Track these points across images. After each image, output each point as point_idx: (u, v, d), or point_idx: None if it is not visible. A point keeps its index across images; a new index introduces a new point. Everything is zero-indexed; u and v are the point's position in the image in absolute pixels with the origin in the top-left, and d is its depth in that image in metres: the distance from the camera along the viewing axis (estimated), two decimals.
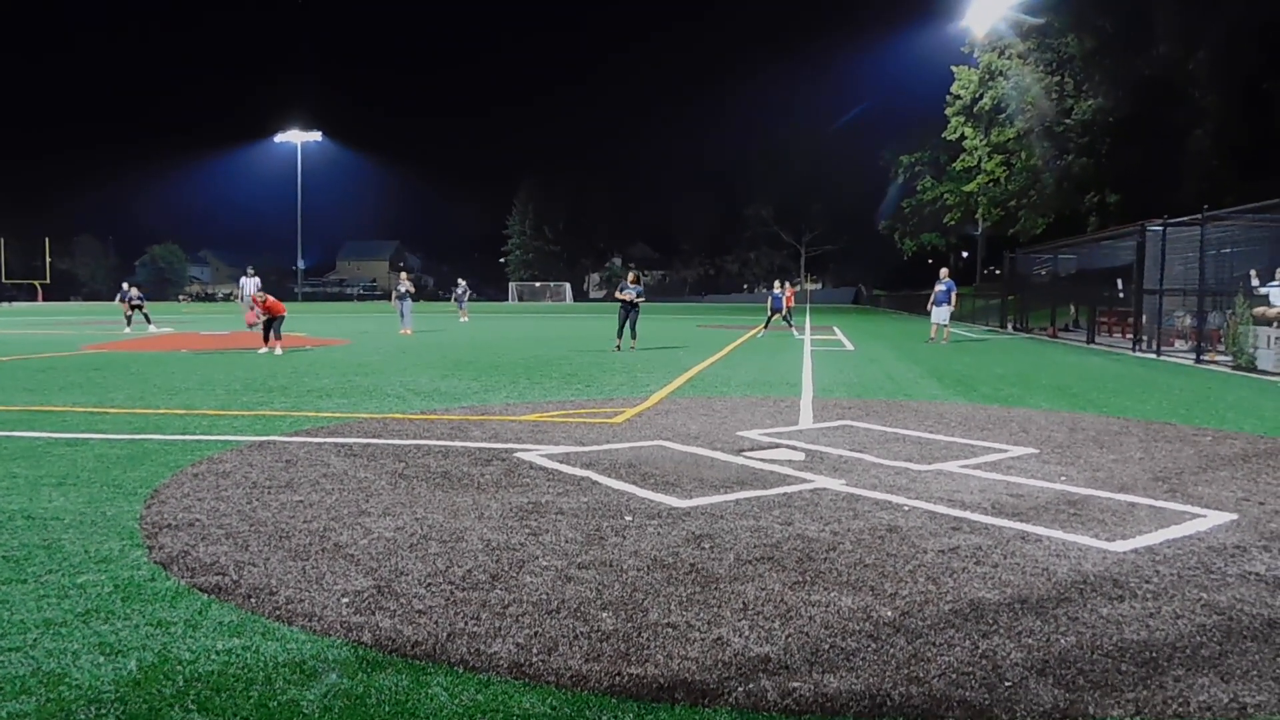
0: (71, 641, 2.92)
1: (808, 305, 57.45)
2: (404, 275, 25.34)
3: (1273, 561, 3.92)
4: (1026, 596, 3.43)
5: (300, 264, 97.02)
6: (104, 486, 5.14)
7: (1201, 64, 29.51)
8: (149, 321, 26.56)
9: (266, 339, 16.73)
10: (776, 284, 26.01)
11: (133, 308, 26.62)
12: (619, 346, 17.31)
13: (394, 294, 24.88)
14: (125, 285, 27.52)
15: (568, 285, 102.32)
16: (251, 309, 17.30)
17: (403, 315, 24.32)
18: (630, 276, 18.03)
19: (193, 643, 2.92)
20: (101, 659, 2.79)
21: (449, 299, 32.26)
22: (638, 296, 17.29)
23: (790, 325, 25.42)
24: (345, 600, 3.32)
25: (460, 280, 34.43)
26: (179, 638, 2.96)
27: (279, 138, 75.88)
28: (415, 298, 25.23)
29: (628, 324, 17.34)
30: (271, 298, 17.16)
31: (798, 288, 26.23)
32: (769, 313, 25.03)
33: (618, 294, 17.48)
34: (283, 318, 16.92)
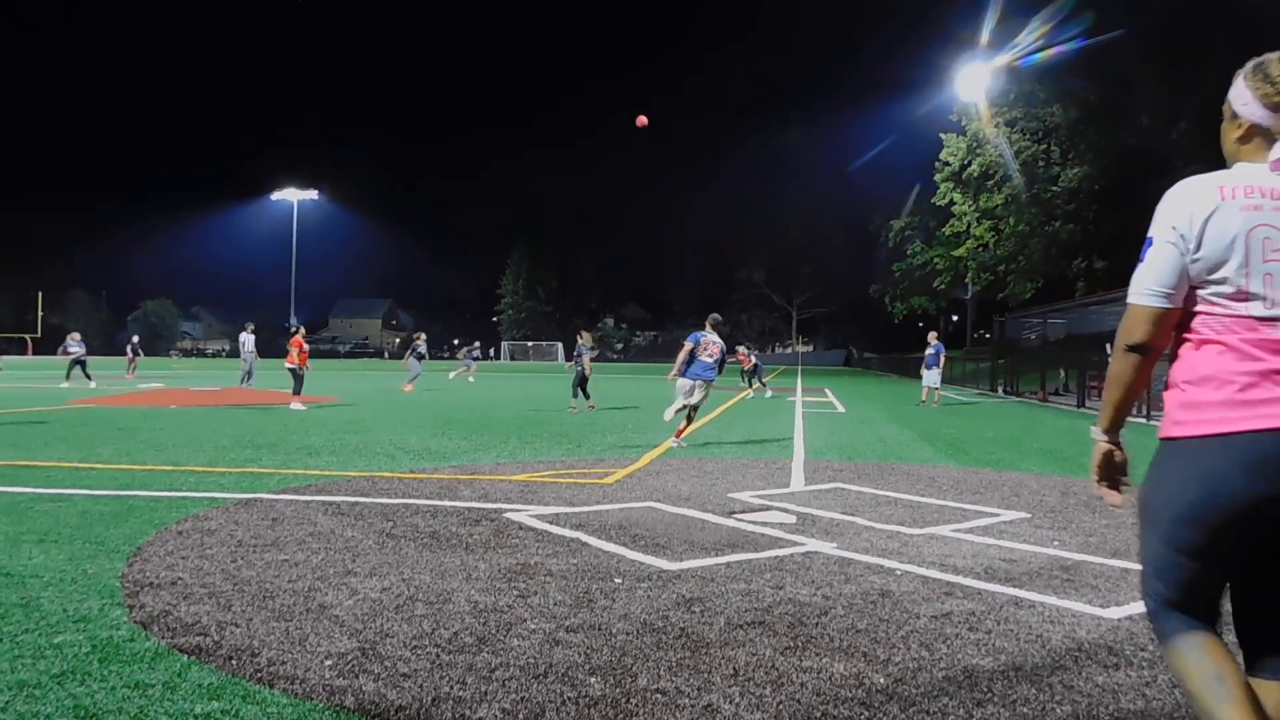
0: (45, 704, 2.84)
1: (799, 367, 57.61)
2: (421, 337, 26.70)
3: None
4: (1020, 664, 3.38)
5: (294, 321, 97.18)
6: (86, 544, 5.07)
7: (1183, 134, 30.16)
8: (89, 378, 24.76)
9: (298, 392, 16.88)
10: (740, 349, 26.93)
11: (73, 361, 24.96)
12: (574, 407, 17.16)
13: (412, 352, 26.17)
14: (70, 339, 27.03)
15: (560, 345, 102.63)
16: (292, 353, 17.48)
17: (411, 371, 25.40)
18: (586, 339, 18.01)
19: (171, 706, 2.85)
20: None
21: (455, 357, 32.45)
22: (591, 358, 17.51)
23: (752, 386, 25.81)
24: (329, 663, 3.25)
25: (476, 343, 35.40)
26: (156, 700, 2.88)
27: (275, 195, 76.42)
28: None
29: (581, 386, 17.33)
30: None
31: (746, 349, 27.35)
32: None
33: (583, 360, 17.53)
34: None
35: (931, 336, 22.25)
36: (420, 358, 25.60)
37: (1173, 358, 2.09)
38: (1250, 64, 2.09)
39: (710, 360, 11.41)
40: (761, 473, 8.70)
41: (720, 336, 11.71)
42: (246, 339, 24.85)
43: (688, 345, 11.37)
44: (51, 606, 3.86)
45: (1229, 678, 1.90)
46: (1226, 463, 1.90)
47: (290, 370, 17.22)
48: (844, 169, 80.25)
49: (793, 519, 6.24)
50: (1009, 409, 21.93)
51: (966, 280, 46.41)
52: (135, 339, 34.70)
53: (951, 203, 40.77)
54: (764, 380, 25.76)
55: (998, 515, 6.53)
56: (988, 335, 45.63)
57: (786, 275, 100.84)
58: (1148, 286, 2.03)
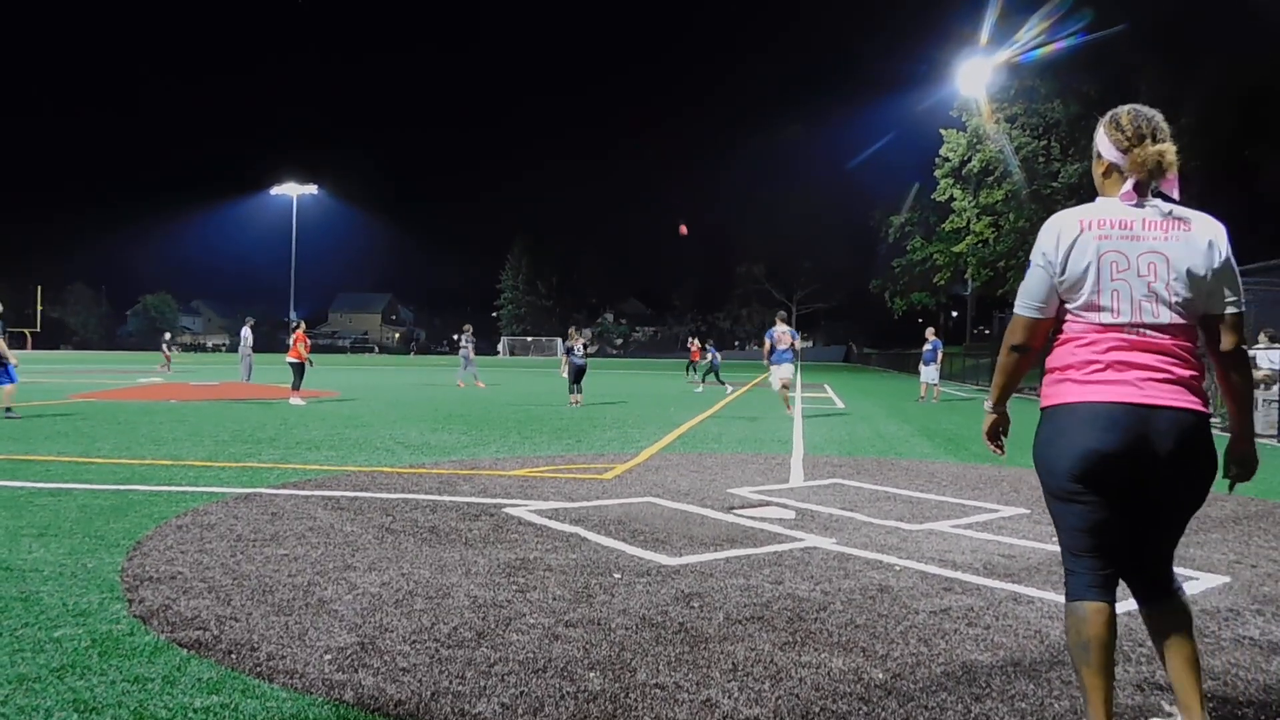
0: (45, 698, 2.85)
1: (798, 363, 57.67)
2: (468, 329, 27.08)
3: (1266, 625, 3.89)
4: (1019, 659, 3.38)
5: (293, 315, 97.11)
6: (86, 538, 5.07)
7: (1184, 130, 30.12)
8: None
9: (298, 387, 16.82)
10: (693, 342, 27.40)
11: None
12: (573, 403, 17.27)
13: (461, 349, 26.67)
14: None
15: (559, 340, 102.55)
16: (294, 347, 17.43)
17: (465, 367, 25.85)
18: (580, 338, 18.22)
19: (170, 700, 2.85)
20: (75, 716, 2.72)
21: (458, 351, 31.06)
22: (581, 354, 17.84)
23: (705, 380, 26.02)
24: (328, 657, 3.26)
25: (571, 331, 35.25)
26: (156, 694, 2.89)
27: (275, 190, 76.10)
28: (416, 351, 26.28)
29: (577, 380, 17.56)
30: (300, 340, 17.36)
31: (696, 344, 28.14)
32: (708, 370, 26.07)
33: (571, 356, 17.79)
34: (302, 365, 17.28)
35: (929, 333, 22.28)
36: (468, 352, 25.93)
37: (1048, 352, 2.58)
38: (1108, 115, 2.57)
39: (784, 348, 14.90)
40: (761, 468, 8.71)
41: (788, 325, 15.18)
42: (247, 333, 24.91)
43: (767, 342, 15.05)
44: (51, 600, 3.87)
45: (1092, 646, 2.46)
46: (1070, 425, 2.46)
47: (291, 364, 17.20)
48: (844, 165, 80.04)
49: (792, 514, 6.25)
50: (1009, 405, 21.92)
51: (966, 276, 46.36)
52: (168, 335, 36.20)
53: (951, 199, 40.71)
54: (721, 378, 25.87)
55: (997, 511, 6.53)
56: (987, 331, 45.66)
57: (786, 270, 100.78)
58: (1025, 301, 2.56)
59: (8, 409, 12.36)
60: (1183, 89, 29.52)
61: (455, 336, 28.21)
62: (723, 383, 25.50)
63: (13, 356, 12.49)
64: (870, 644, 3.52)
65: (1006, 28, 32.96)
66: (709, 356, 26.20)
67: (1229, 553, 5.30)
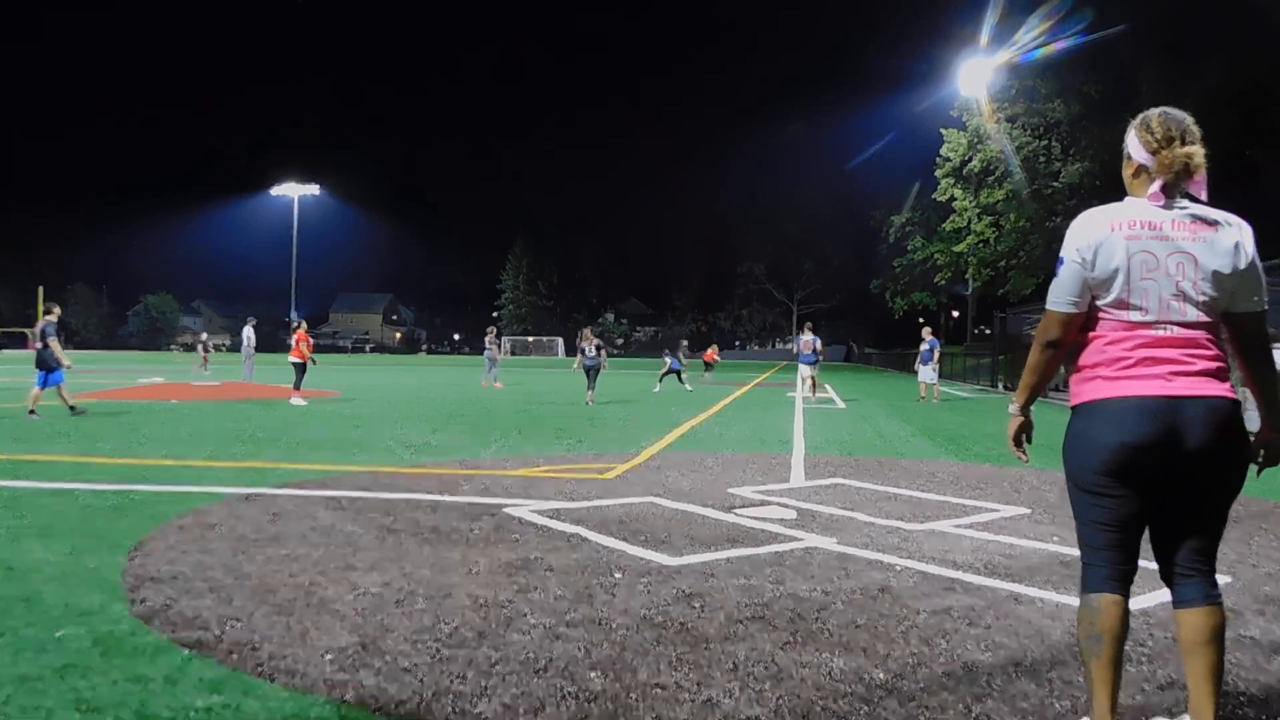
0: (47, 698, 2.85)
1: (799, 363, 57.57)
2: (492, 330, 27.18)
3: (1268, 625, 3.89)
4: (1020, 659, 3.39)
5: (294, 315, 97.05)
6: (87, 538, 5.07)
7: None
8: None
9: (299, 387, 16.81)
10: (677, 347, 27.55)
11: None
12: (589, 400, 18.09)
13: (486, 350, 26.75)
14: None
15: (560, 340, 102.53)
16: (296, 346, 17.44)
17: (490, 368, 25.74)
18: (592, 340, 19.02)
19: (172, 700, 2.86)
20: (78, 716, 2.72)
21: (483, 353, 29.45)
22: (596, 354, 18.69)
23: (660, 379, 25.97)
24: (329, 657, 3.26)
25: (684, 342, 34.41)
26: (158, 694, 2.89)
27: (276, 190, 76.03)
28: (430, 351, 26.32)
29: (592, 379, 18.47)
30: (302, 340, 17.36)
31: (714, 348, 27.61)
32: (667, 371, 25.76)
33: (584, 356, 18.82)
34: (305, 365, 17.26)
35: (926, 332, 22.23)
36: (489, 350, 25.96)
37: (1078, 350, 2.61)
38: (1139, 117, 2.63)
39: (809, 352, 19.51)
40: (761, 468, 8.71)
41: (813, 334, 19.58)
42: (249, 334, 24.98)
43: (795, 347, 18.14)
44: (53, 600, 3.87)
45: (1105, 638, 2.50)
46: (1102, 420, 2.50)
47: (294, 364, 17.20)
48: (845, 165, 79.97)
49: (793, 514, 6.25)
50: (1009, 405, 21.92)
51: (967, 276, 46.35)
52: (204, 336, 36.92)
53: (952, 199, 40.70)
54: (662, 380, 25.55)
55: (997, 510, 6.54)
56: (988, 331, 45.61)
57: (787, 270, 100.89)
58: (1059, 297, 2.59)
59: (31, 410, 12.48)
60: (1183, 89, 29.46)
61: (481, 338, 27.72)
62: (660, 383, 25.39)
63: (65, 358, 12.81)
64: (871, 644, 3.52)
65: (1007, 28, 32.91)
66: (667, 361, 25.87)
67: (1230, 552, 5.30)
